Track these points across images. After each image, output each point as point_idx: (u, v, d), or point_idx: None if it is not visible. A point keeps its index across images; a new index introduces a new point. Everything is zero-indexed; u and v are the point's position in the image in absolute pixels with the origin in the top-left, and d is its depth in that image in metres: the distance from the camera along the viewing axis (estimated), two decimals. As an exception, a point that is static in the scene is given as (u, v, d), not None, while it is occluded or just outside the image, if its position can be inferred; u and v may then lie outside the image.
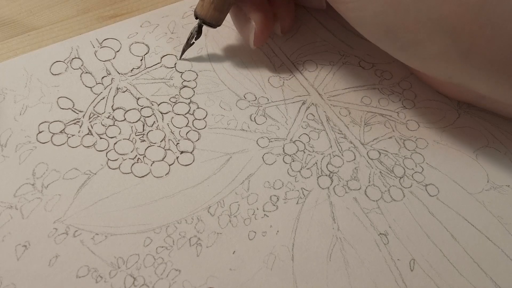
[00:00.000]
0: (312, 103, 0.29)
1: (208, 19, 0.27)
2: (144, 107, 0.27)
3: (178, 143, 0.26)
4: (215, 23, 0.27)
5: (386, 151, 0.27)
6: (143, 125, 0.27)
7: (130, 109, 0.27)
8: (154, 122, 0.27)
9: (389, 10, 0.22)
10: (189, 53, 0.30)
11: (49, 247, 0.23)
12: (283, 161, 0.26)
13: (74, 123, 0.26)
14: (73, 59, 0.29)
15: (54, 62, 0.29)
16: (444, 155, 0.27)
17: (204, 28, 0.29)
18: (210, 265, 0.23)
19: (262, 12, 0.27)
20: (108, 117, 0.27)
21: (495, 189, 0.26)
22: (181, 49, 0.29)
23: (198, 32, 0.28)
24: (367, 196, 0.25)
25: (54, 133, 0.26)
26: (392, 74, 0.30)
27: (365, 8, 0.23)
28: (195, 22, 0.28)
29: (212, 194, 0.25)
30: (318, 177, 0.26)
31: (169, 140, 0.26)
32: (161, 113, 0.27)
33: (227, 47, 0.30)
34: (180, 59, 0.29)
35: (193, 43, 0.29)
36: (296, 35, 0.32)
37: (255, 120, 0.28)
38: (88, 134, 0.26)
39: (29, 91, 0.27)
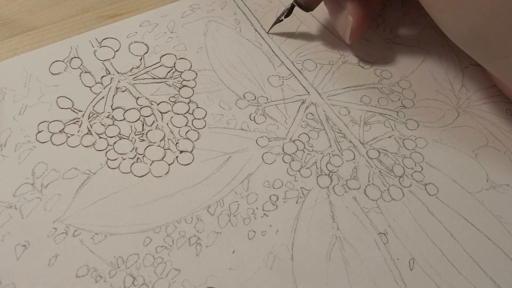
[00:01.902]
0: (312, 103, 0.29)
1: (304, 2, 0.28)
2: (144, 107, 0.27)
3: (178, 143, 0.26)
4: (306, 6, 0.28)
5: (386, 150, 0.27)
6: (143, 125, 0.27)
7: (130, 109, 0.27)
8: (154, 121, 0.27)
9: (488, 22, 0.22)
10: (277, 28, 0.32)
11: (49, 246, 0.23)
12: (283, 160, 0.26)
13: (74, 123, 0.26)
14: (72, 58, 0.29)
15: (54, 62, 0.29)
16: (444, 154, 0.27)
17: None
18: (209, 264, 0.23)
19: (359, 5, 0.27)
20: (107, 117, 0.27)
21: (494, 188, 0.26)
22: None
23: (289, 11, 0.30)
24: (367, 195, 0.25)
25: (53, 133, 0.26)
26: (392, 74, 0.30)
27: (463, 19, 0.23)
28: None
29: (211, 194, 0.25)
30: (317, 177, 0.26)
31: (168, 139, 0.26)
32: (161, 112, 0.27)
33: (227, 47, 0.30)
34: (268, 32, 0.31)
35: (282, 20, 0.30)
36: (295, 34, 0.32)
37: (254, 120, 0.28)
38: (87, 133, 0.26)
39: (29, 90, 0.27)
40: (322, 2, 0.29)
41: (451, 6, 0.23)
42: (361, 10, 0.27)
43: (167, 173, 0.25)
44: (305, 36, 0.32)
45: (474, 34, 0.23)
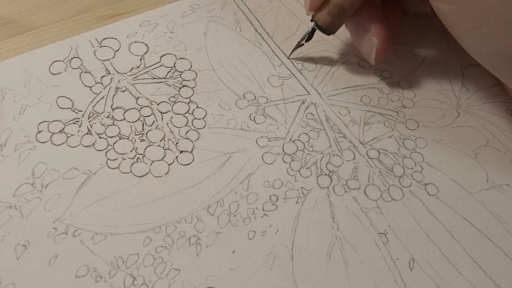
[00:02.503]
0: (312, 103, 0.29)
1: (320, 23, 0.27)
2: (144, 107, 0.27)
3: (178, 143, 0.26)
4: (327, 29, 0.27)
5: (386, 150, 0.27)
6: (143, 125, 0.27)
7: (130, 109, 0.27)
8: (154, 121, 0.27)
9: None
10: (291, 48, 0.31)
11: (49, 246, 0.23)
12: (283, 160, 0.26)
13: (74, 123, 0.26)
14: (72, 58, 0.29)
15: (54, 62, 0.29)
16: (444, 154, 0.27)
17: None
18: (209, 264, 0.23)
19: (383, 26, 0.26)
20: (107, 117, 0.27)
21: (494, 188, 0.26)
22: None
23: (310, 35, 0.29)
24: (367, 195, 0.25)
25: (53, 133, 0.26)
26: (392, 74, 0.30)
27: (489, 38, 0.22)
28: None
29: (211, 194, 0.25)
30: (317, 177, 0.26)
31: (168, 139, 0.26)
32: (161, 112, 0.27)
33: (227, 47, 0.30)
34: (289, 57, 0.30)
35: (303, 44, 0.29)
36: (295, 35, 0.32)
37: (254, 120, 0.28)
38: (87, 133, 0.26)
39: (29, 90, 0.27)
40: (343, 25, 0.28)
41: (476, 25, 0.22)
42: (385, 30, 0.27)
43: (167, 173, 0.25)
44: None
45: (500, 54, 0.23)
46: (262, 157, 0.26)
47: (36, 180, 0.24)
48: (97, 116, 0.27)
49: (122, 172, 0.25)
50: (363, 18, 0.27)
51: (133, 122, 0.27)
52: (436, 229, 0.25)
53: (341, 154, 0.27)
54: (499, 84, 0.30)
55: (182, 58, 0.30)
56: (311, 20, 0.28)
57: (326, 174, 0.26)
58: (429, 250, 0.24)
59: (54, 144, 0.26)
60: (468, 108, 0.29)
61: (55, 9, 0.31)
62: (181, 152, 0.26)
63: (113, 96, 0.28)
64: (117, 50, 0.30)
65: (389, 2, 0.28)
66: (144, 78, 0.28)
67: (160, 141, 0.26)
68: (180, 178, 0.25)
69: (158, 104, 0.28)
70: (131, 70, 0.29)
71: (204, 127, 0.27)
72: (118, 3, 0.32)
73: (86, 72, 0.28)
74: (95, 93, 0.28)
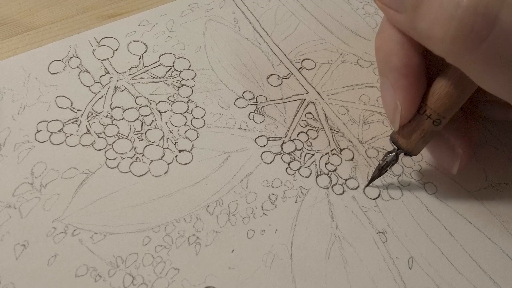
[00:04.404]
0: (311, 102, 0.29)
1: (410, 150, 0.24)
2: (143, 106, 0.27)
3: (177, 142, 0.26)
4: (411, 152, 0.24)
5: (385, 149, 0.27)
6: (142, 124, 0.27)
7: (129, 108, 0.27)
8: (153, 121, 0.27)
9: None
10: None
11: (48, 246, 0.23)
12: (282, 159, 0.26)
13: (73, 122, 0.26)
14: (71, 58, 0.29)
15: (52, 61, 0.29)
16: (443, 153, 0.27)
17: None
18: (209, 263, 0.23)
19: (466, 136, 0.24)
20: (106, 116, 0.27)
21: (493, 187, 0.26)
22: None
23: (394, 161, 0.24)
24: (366, 194, 0.25)
25: (52, 132, 0.26)
26: (391, 73, 0.30)
27: None
28: (388, 149, 0.25)
29: (210, 193, 0.25)
30: (316, 176, 0.26)
31: (167, 139, 0.26)
32: (160, 112, 0.27)
33: (226, 46, 0.30)
34: (366, 186, 0.26)
35: (386, 171, 0.25)
36: (294, 34, 0.32)
37: (253, 119, 0.28)
38: (86, 133, 0.26)
39: (27, 90, 0.27)
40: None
41: None
42: (468, 140, 0.24)
43: (166, 172, 0.25)
44: (304, 35, 0.32)
45: None
46: (261, 156, 0.26)
47: (35, 180, 0.24)
48: (96, 115, 0.27)
49: (121, 172, 0.25)
50: (448, 131, 0.24)
51: (132, 121, 0.27)
52: (435, 228, 0.25)
53: (340, 153, 0.27)
54: None
55: (181, 58, 0.30)
56: (395, 147, 0.24)
57: (325, 174, 0.26)
58: (428, 249, 0.24)
59: (53, 144, 0.26)
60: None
61: (55, 9, 0.31)
62: (180, 151, 0.26)
63: (112, 95, 0.28)
64: (116, 50, 0.30)
65: (468, 109, 0.25)
66: (143, 78, 0.28)
67: (159, 140, 0.26)
68: (179, 178, 0.25)
69: (157, 104, 0.28)
70: (130, 69, 0.29)
71: (203, 126, 0.27)
72: (118, 3, 0.32)
73: (85, 71, 0.28)
74: (94, 93, 0.28)
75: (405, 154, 0.24)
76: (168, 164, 0.26)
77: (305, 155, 0.26)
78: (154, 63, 0.29)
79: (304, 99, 0.29)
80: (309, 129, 0.27)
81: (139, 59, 0.29)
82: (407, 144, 0.23)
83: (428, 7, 0.19)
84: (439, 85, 0.22)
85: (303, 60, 0.30)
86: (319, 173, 0.26)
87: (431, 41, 0.20)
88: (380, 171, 0.25)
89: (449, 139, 0.24)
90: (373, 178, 0.25)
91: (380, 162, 0.25)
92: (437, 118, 0.22)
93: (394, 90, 0.23)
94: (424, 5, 0.19)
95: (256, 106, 0.28)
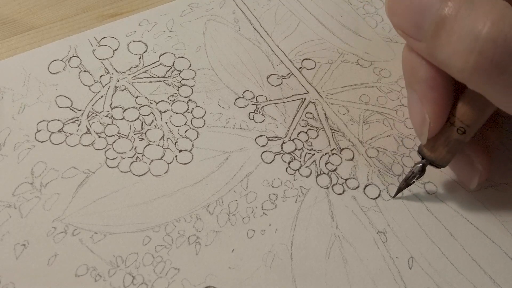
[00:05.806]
0: (311, 101, 0.29)
1: (438, 161, 0.24)
2: (143, 106, 0.27)
3: (177, 142, 0.26)
4: (440, 164, 0.24)
5: (385, 149, 0.27)
6: (142, 124, 0.27)
7: (129, 108, 0.27)
8: (153, 120, 0.27)
9: None
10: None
11: (48, 246, 0.23)
12: (282, 159, 0.26)
13: (73, 122, 0.26)
14: (71, 57, 0.29)
15: (52, 61, 0.29)
16: (443, 153, 0.27)
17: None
18: (209, 263, 0.23)
19: (487, 154, 0.24)
20: (106, 116, 0.27)
21: (493, 187, 0.26)
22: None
23: (421, 172, 0.24)
24: (366, 194, 0.25)
25: (52, 132, 0.26)
26: (391, 72, 0.30)
27: None
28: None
29: (210, 193, 0.25)
30: (316, 176, 0.26)
31: (167, 138, 0.26)
32: (160, 111, 0.27)
33: (226, 46, 0.30)
34: (394, 197, 0.26)
35: (413, 182, 0.25)
36: (294, 33, 0.32)
37: (253, 119, 0.28)
38: (86, 132, 0.26)
39: (28, 90, 0.27)
40: None
41: None
42: (487, 155, 0.24)
43: (166, 172, 0.25)
44: (304, 35, 0.32)
45: None
46: (261, 156, 0.26)
47: (35, 179, 0.24)
48: (96, 115, 0.27)
49: (121, 171, 0.25)
50: (468, 146, 0.24)
51: (132, 121, 0.27)
52: (435, 228, 0.25)
53: (340, 153, 0.27)
54: None
55: (181, 57, 0.30)
56: (422, 158, 0.24)
57: (325, 173, 0.26)
58: (428, 248, 0.24)
59: (53, 143, 0.26)
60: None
61: (55, 8, 0.31)
62: (180, 151, 0.26)
63: (112, 95, 0.28)
64: (116, 49, 0.30)
65: (488, 124, 0.25)
66: (143, 77, 0.28)
67: (159, 140, 0.26)
68: (179, 177, 0.25)
69: (157, 103, 0.28)
70: (130, 69, 0.29)
71: (203, 126, 0.27)
72: (118, 3, 0.32)
73: (85, 71, 0.28)
74: (94, 92, 0.28)
75: (432, 165, 0.24)
76: (168, 163, 0.26)
77: (305, 155, 0.26)
78: (154, 62, 0.29)
79: (304, 99, 0.29)
80: (309, 129, 0.27)
81: (139, 58, 0.29)
82: (435, 156, 0.23)
83: (447, 37, 0.19)
84: (467, 97, 0.22)
85: (303, 59, 0.30)
86: (319, 172, 0.26)
87: (451, 70, 0.19)
88: (407, 182, 0.25)
89: (469, 154, 0.24)
90: (399, 189, 0.25)
91: (408, 173, 0.25)
92: (464, 129, 0.22)
93: (422, 102, 0.22)
94: (443, 35, 0.19)
95: (256, 106, 0.28)
